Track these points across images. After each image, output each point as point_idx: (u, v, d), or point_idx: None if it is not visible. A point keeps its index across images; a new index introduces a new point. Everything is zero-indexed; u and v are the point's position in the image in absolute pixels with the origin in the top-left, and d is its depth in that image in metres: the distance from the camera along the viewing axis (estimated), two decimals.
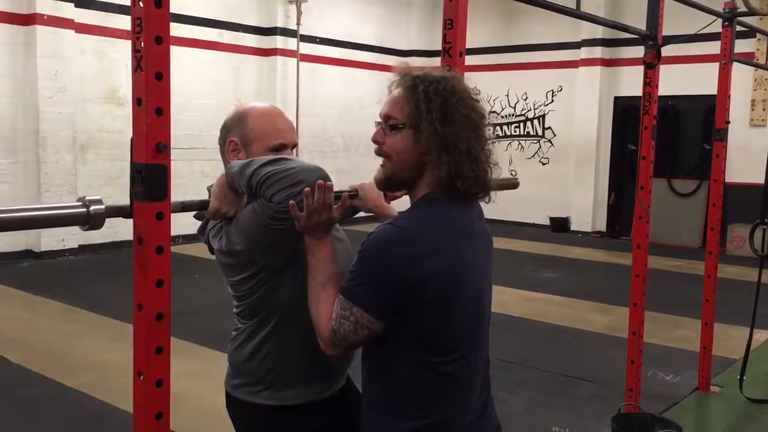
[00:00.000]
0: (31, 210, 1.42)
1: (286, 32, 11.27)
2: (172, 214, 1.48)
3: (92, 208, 1.42)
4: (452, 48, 2.17)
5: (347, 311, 1.55)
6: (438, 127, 1.56)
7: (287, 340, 1.83)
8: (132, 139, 1.41)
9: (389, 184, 1.69)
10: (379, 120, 1.67)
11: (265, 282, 1.80)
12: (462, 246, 1.61)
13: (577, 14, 3.26)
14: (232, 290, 1.88)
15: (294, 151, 1.95)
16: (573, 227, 12.18)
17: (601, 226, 12.04)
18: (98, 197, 1.44)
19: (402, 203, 1.71)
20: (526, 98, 12.77)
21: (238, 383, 1.90)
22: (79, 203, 1.43)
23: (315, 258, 1.66)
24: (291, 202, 1.62)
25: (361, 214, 2.16)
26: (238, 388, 1.90)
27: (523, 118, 12.87)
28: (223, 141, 1.93)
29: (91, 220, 1.42)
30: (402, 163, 1.62)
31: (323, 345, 1.61)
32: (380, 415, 1.65)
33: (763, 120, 10.43)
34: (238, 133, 1.89)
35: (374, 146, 1.67)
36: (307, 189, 1.62)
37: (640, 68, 3.70)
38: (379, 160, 1.68)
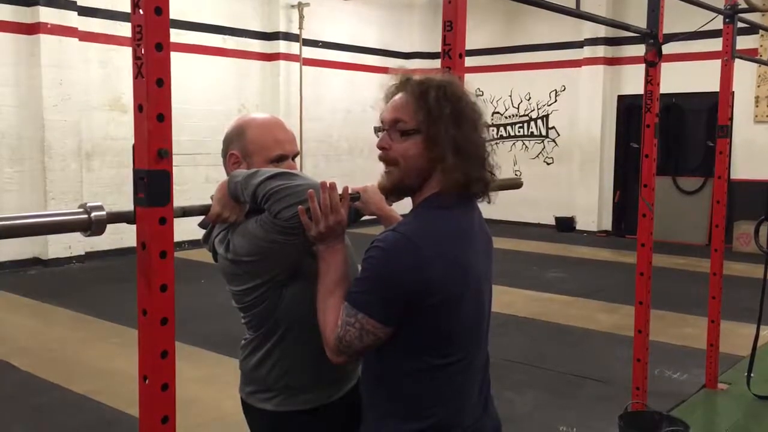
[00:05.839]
0: (33, 217, 1.44)
1: (288, 37, 11.30)
2: (178, 220, 1.49)
3: (93, 214, 1.44)
4: (452, 50, 2.16)
5: (352, 318, 1.55)
6: (452, 131, 1.56)
7: (296, 348, 1.84)
8: (134, 146, 1.43)
9: (397, 191, 1.66)
10: (379, 125, 1.65)
11: (269, 294, 1.80)
12: (465, 248, 1.61)
13: (577, 14, 3.26)
14: (235, 301, 1.89)
15: (296, 160, 1.95)
16: (578, 226, 12.16)
17: (607, 225, 12.02)
18: (99, 203, 1.45)
19: (404, 205, 1.70)
20: (530, 98, 12.76)
21: (251, 390, 1.92)
22: (81, 209, 1.44)
23: (327, 265, 1.66)
24: (300, 207, 1.63)
25: (366, 217, 2.16)
26: (251, 395, 1.92)
27: (526, 118, 12.86)
28: (225, 154, 1.93)
29: (92, 226, 1.44)
30: (411, 169, 1.60)
31: (329, 352, 1.61)
32: (382, 416, 1.65)
33: (767, 116, 10.38)
34: (238, 146, 1.90)
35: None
36: (310, 191, 1.63)
37: (643, 66, 3.69)
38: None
